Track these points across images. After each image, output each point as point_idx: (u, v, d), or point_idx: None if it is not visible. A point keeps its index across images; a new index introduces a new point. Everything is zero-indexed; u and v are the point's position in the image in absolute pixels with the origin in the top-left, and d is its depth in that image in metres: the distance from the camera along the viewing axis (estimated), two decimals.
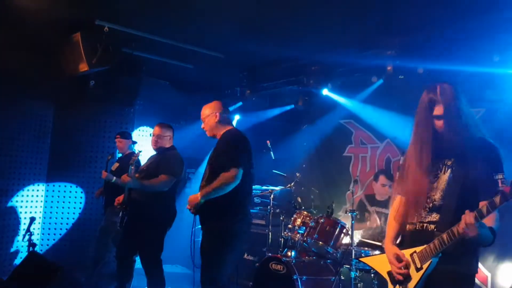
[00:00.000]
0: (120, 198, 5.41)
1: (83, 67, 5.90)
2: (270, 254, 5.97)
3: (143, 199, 5.14)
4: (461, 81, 5.55)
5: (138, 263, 5.34)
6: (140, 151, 5.58)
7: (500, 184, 2.49)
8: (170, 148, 5.44)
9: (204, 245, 4.05)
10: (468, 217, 2.31)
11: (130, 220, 5.20)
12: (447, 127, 2.63)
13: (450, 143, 2.63)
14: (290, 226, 5.77)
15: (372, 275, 5.05)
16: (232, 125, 4.39)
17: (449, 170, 2.65)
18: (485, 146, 2.60)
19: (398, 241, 2.84)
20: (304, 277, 5.11)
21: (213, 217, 4.02)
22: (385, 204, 5.80)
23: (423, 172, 2.70)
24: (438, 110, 2.64)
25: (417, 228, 2.70)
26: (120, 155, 6.66)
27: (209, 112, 4.33)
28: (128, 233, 5.20)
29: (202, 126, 4.38)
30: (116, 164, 6.62)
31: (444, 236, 2.45)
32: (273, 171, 6.95)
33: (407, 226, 2.78)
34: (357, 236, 5.59)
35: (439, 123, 2.66)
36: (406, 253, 2.69)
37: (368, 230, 5.72)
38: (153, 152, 5.56)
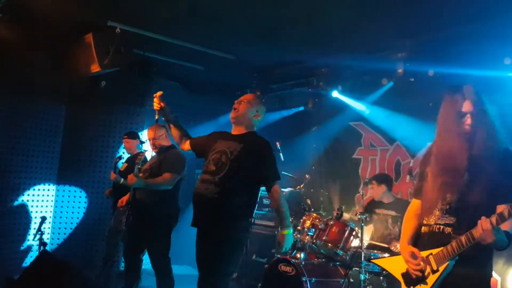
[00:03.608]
0: (124, 199, 5.44)
1: (95, 68, 5.93)
2: (279, 255, 5.98)
3: (148, 198, 5.17)
4: (471, 83, 5.52)
5: (147, 263, 5.37)
6: (145, 150, 5.61)
7: None
8: (170, 146, 5.46)
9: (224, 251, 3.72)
10: (484, 223, 2.32)
11: (135, 220, 5.23)
12: (474, 126, 2.63)
13: (475, 144, 2.61)
14: (299, 228, 5.77)
15: (382, 277, 5.05)
16: None
17: (466, 173, 2.64)
18: (501, 149, 2.61)
19: (413, 242, 2.84)
20: (313, 279, 5.11)
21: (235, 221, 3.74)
22: (390, 206, 5.80)
23: (454, 174, 2.67)
24: (467, 107, 2.65)
25: (433, 230, 2.70)
26: (129, 155, 6.68)
27: (254, 105, 3.98)
28: (135, 233, 5.23)
29: (236, 106, 3.96)
30: (125, 165, 6.65)
31: (463, 239, 2.46)
32: (282, 172, 6.95)
33: (423, 227, 2.79)
34: (366, 238, 5.58)
35: (467, 122, 2.65)
36: (422, 255, 2.70)
37: (377, 232, 5.71)
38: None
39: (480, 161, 2.58)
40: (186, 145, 4.18)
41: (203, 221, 3.78)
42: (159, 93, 4.07)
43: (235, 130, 4.00)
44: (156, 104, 4.04)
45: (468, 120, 2.64)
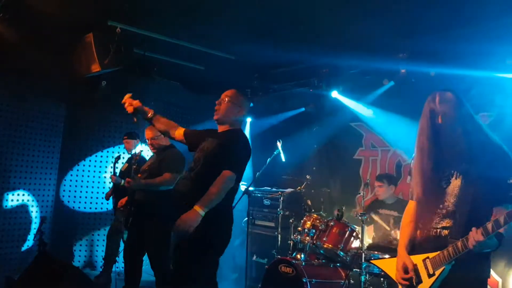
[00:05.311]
0: (123, 200, 5.43)
1: (96, 67, 5.92)
2: (279, 256, 5.97)
3: (147, 199, 5.18)
4: (471, 85, 5.52)
5: (146, 264, 5.36)
6: (141, 151, 5.61)
7: None
8: (169, 146, 5.46)
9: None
10: (476, 236, 2.33)
11: (136, 220, 5.23)
12: (444, 135, 2.67)
13: (452, 150, 2.66)
14: (299, 228, 5.75)
15: (382, 279, 5.03)
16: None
17: (460, 176, 2.64)
18: (495, 150, 2.60)
19: (411, 247, 2.83)
20: (314, 280, 5.09)
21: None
22: (393, 206, 5.79)
23: (428, 178, 2.73)
24: (439, 119, 2.67)
25: (430, 233, 2.69)
26: (129, 155, 6.68)
27: (236, 102, 3.88)
28: (135, 233, 5.23)
29: (217, 107, 3.86)
30: (126, 165, 6.66)
31: (459, 244, 2.45)
32: (283, 176, 6.96)
33: (419, 231, 2.78)
34: (367, 239, 5.57)
35: (440, 130, 2.68)
36: (419, 258, 2.68)
37: (378, 231, 5.70)
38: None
39: (472, 165, 2.59)
40: (178, 135, 4.01)
41: (177, 216, 3.66)
42: (127, 96, 3.93)
43: (220, 128, 3.92)
44: (128, 108, 3.89)
45: (444, 130, 2.67)
